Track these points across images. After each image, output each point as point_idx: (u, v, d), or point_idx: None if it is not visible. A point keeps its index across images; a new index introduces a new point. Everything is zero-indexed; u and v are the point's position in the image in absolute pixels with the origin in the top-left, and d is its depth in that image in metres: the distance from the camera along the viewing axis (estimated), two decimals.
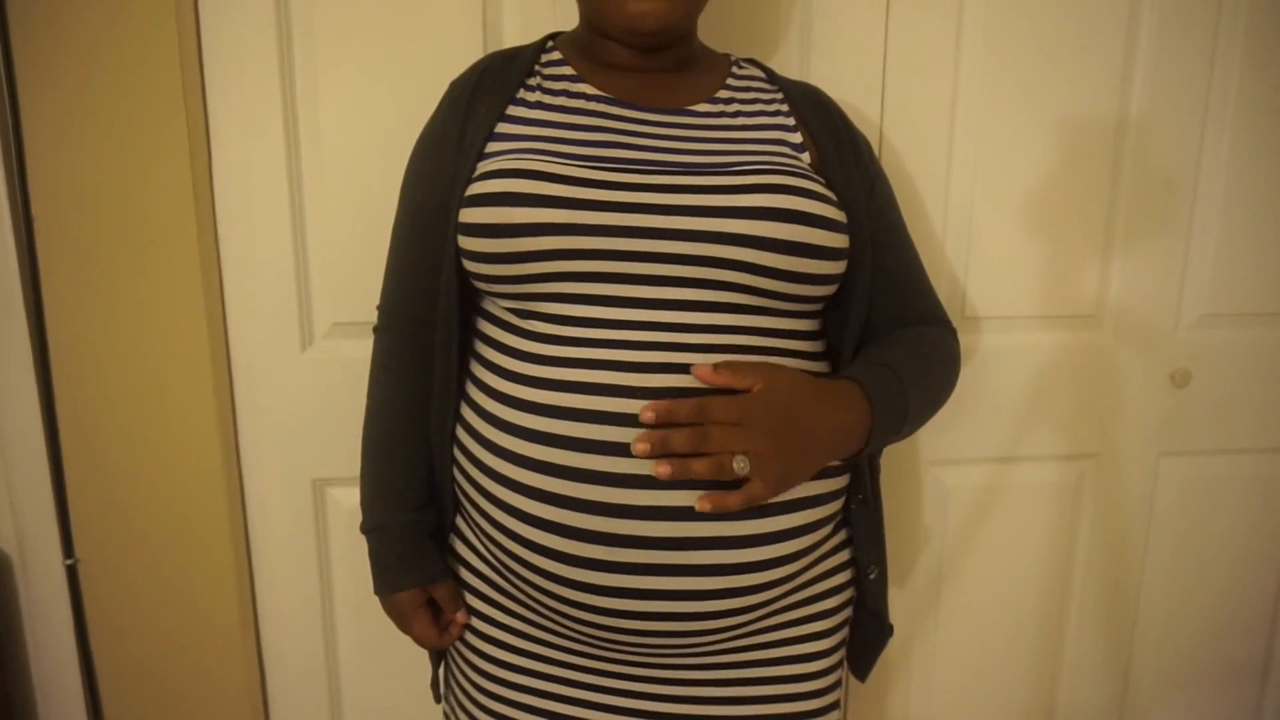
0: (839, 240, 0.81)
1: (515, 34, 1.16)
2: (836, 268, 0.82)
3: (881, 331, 0.92)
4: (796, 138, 0.87)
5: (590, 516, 0.75)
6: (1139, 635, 1.50)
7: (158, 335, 1.14)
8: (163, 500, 1.19)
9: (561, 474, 0.76)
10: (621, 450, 0.74)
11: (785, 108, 0.89)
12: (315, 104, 1.15)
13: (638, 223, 0.76)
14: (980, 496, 1.39)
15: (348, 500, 1.27)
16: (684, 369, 0.75)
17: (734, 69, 0.93)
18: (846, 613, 0.94)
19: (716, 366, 0.74)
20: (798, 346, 0.83)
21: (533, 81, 0.88)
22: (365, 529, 0.94)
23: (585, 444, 0.75)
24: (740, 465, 0.71)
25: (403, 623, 0.93)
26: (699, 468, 0.71)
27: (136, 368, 1.14)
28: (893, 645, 1.45)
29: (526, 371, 0.79)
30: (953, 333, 0.97)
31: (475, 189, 0.80)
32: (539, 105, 0.86)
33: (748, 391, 0.74)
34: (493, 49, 1.17)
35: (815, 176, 0.83)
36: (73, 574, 1.20)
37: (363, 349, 1.22)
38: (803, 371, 0.81)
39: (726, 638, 0.82)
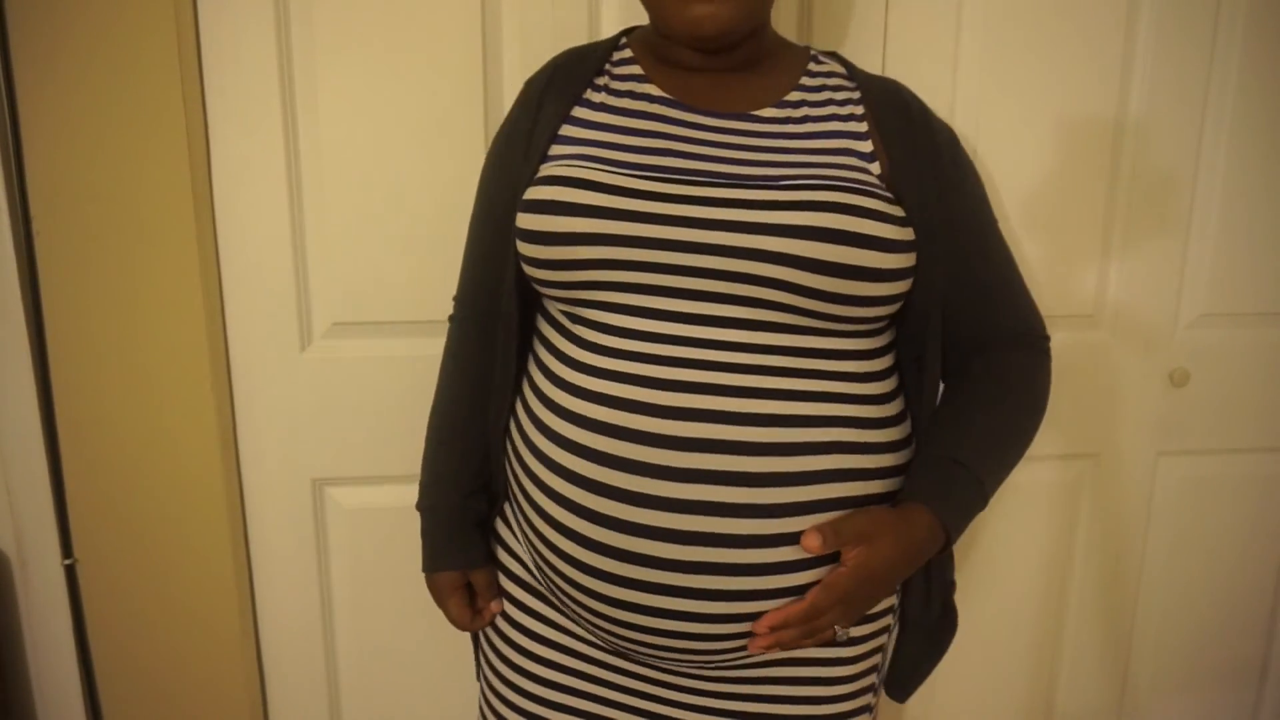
0: (897, 261, 0.76)
1: (514, 33, 1.16)
2: (894, 288, 0.78)
3: (966, 350, 0.88)
4: (866, 146, 0.81)
5: (608, 531, 0.76)
6: (1137, 634, 1.50)
7: (156, 335, 1.14)
8: (162, 500, 1.18)
9: (586, 486, 0.77)
10: (646, 470, 0.74)
11: (860, 110, 0.83)
12: (314, 103, 1.15)
13: (681, 236, 0.74)
14: None
15: (347, 500, 1.27)
16: (721, 390, 0.74)
17: (811, 64, 0.87)
18: (880, 622, 0.91)
19: (824, 538, 0.73)
20: (851, 368, 0.80)
21: (600, 81, 0.87)
22: (419, 507, 0.98)
23: (610, 459, 0.76)
24: (841, 635, 0.77)
25: (440, 600, 0.97)
26: (807, 644, 0.76)
27: (135, 367, 1.14)
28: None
29: (570, 379, 0.80)
30: (1043, 346, 0.92)
31: (530, 194, 0.80)
32: (603, 107, 0.85)
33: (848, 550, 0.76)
34: (491, 48, 1.17)
35: (879, 191, 0.78)
36: (71, 574, 1.20)
37: (362, 348, 1.22)
38: (887, 515, 0.78)
39: (743, 657, 0.82)
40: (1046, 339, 0.93)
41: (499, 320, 0.89)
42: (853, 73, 0.88)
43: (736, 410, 0.74)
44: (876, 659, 0.91)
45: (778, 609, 0.75)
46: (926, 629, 0.92)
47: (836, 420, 0.77)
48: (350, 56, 1.14)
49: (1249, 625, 1.53)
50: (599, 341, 0.78)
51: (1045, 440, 1.37)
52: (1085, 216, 1.31)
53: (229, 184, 1.16)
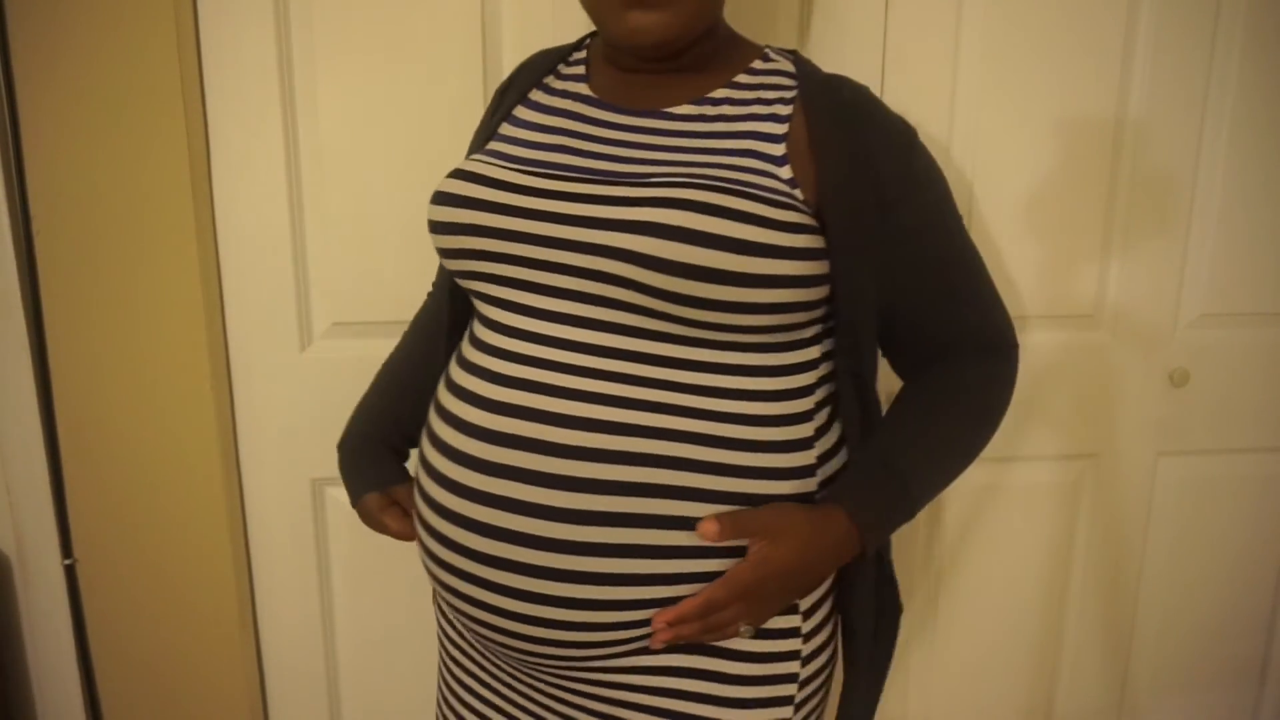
0: (766, 266, 0.71)
1: (514, 33, 1.17)
2: (764, 295, 0.71)
3: (924, 358, 0.86)
4: (778, 149, 0.75)
5: (439, 519, 0.78)
6: (1137, 635, 1.50)
7: (156, 335, 1.14)
8: (161, 500, 1.19)
9: (429, 472, 0.80)
10: (465, 460, 0.75)
11: (787, 110, 0.77)
12: (314, 103, 1.15)
13: (541, 230, 0.74)
14: (978, 496, 1.39)
15: (347, 500, 1.27)
16: (551, 390, 0.73)
17: (756, 62, 0.83)
18: (786, 643, 0.80)
19: (722, 527, 0.71)
20: (717, 382, 0.74)
21: (547, 80, 0.88)
22: (337, 447, 1.00)
23: (446, 448, 0.77)
24: (745, 631, 0.74)
25: (374, 523, 0.95)
26: (711, 639, 0.74)
27: (135, 368, 1.14)
28: None
29: (450, 372, 0.83)
30: (1007, 355, 0.88)
31: (439, 185, 0.82)
32: (537, 106, 0.86)
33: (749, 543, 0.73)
34: (491, 48, 1.17)
35: (764, 194, 0.72)
36: (71, 574, 1.20)
37: (362, 348, 1.22)
38: (797, 513, 0.74)
39: (593, 663, 0.78)
40: (1013, 347, 0.88)
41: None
42: (800, 72, 0.81)
43: (556, 411, 0.72)
44: (789, 690, 0.80)
45: (676, 605, 0.72)
46: (867, 655, 0.85)
47: (678, 435, 0.72)
48: (350, 57, 1.14)
49: (1249, 625, 1.53)
50: (477, 335, 0.81)
51: (1044, 440, 1.38)
52: (1085, 216, 1.31)
53: (229, 184, 1.16)
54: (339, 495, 1.27)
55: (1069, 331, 1.34)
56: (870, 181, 0.76)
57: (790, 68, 0.83)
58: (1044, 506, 1.42)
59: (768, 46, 0.86)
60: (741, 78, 0.81)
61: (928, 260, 0.81)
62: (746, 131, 0.77)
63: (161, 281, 1.13)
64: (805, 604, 0.80)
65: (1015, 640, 1.48)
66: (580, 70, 0.88)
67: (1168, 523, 1.45)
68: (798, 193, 0.74)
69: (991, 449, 1.36)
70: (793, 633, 0.79)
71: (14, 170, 1.08)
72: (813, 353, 0.79)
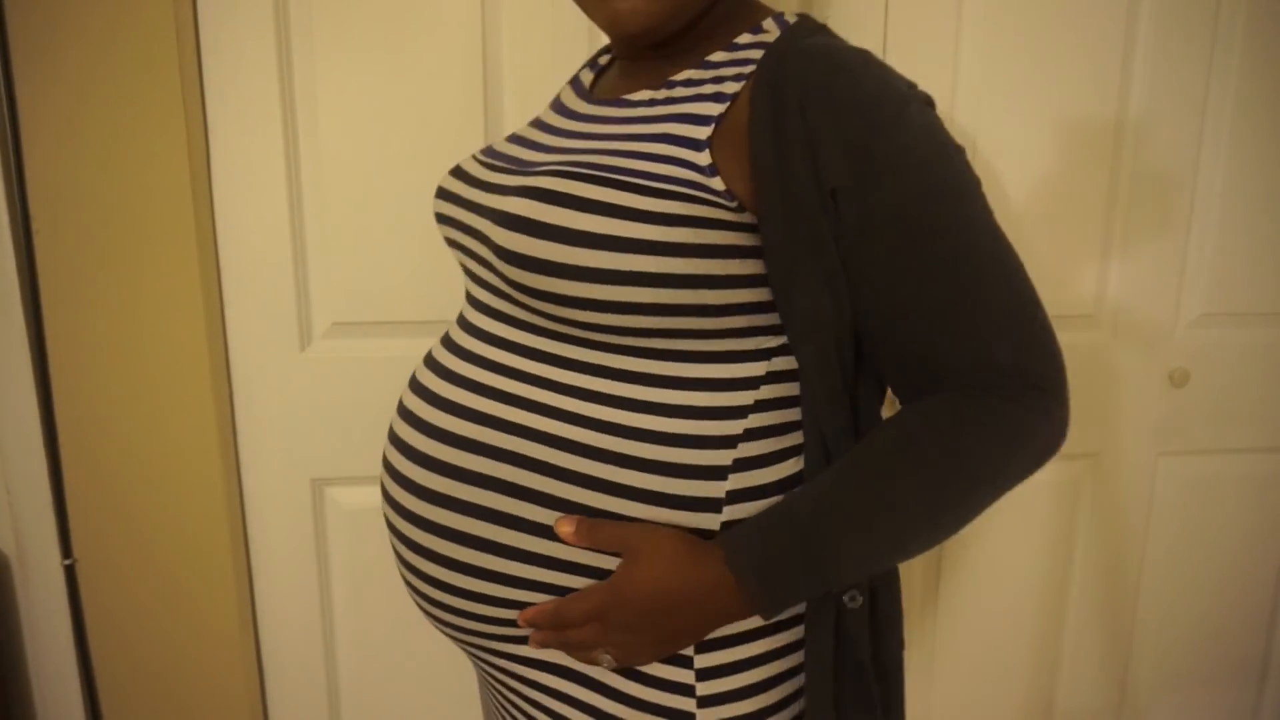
0: (608, 260, 0.62)
1: (514, 33, 1.17)
2: (625, 294, 0.63)
3: (913, 388, 0.67)
4: (703, 133, 0.65)
5: (388, 509, 0.78)
6: (1137, 634, 1.50)
7: (156, 335, 1.14)
8: (161, 500, 1.19)
9: (385, 465, 0.79)
10: (393, 440, 0.76)
11: (735, 88, 0.66)
12: (314, 103, 1.15)
13: (466, 219, 0.75)
14: None
15: (346, 500, 1.27)
16: (447, 375, 0.72)
17: (742, 38, 0.71)
18: (674, 698, 0.71)
19: (577, 529, 0.65)
20: (582, 382, 0.67)
21: (580, 73, 0.87)
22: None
23: (392, 425, 0.78)
24: (606, 661, 0.67)
25: None
26: (571, 655, 0.68)
27: (135, 367, 1.14)
28: None
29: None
30: (1016, 394, 0.64)
31: None
32: (555, 99, 0.87)
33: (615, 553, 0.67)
34: (491, 49, 1.17)
35: (634, 180, 0.64)
36: (71, 574, 1.20)
37: (362, 348, 1.22)
38: (668, 540, 0.64)
39: (491, 644, 0.75)
40: (1028, 387, 0.64)
41: None
42: (777, 44, 0.68)
43: (443, 395, 0.72)
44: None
45: (532, 606, 0.68)
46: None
47: (532, 433, 0.67)
48: (350, 58, 1.14)
49: (1249, 625, 1.53)
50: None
51: None
52: (1085, 216, 1.31)
53: (229, 185, 1.16)
54: (339, 495, 1.27)
55: (1069, 331, 1.34)
56: (810, 167, 0.62)
57: (773, 38, 0.69)
58: (1044, 506, 1.42)
59: (774, 15, 0.72)
60: (717, 55, 0.70)
61: (895, 268, 0.63)
62: (675, 114, 0.67)
63: (161, 281, 1.13)
64: (705, 661, 0.69)
65: (1015, 639, 1.48)
66: (606, 61, 0.87)
67: (1168, 522, 1.45)
68: (714, 181, 0.63)
69: None
70: (682, 689, 0.69)
71: (14, 170, 1.08)
72: (749, 369, 0.67)
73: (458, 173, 0.80)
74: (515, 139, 0.81)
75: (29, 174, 1.08)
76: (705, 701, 0.69)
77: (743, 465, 0.67)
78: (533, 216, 0.64)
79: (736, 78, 0.67)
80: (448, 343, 0.76)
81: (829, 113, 0.62)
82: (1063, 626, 1.48)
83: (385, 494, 0.77)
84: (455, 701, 1.35)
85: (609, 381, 0.67)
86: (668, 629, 0.66)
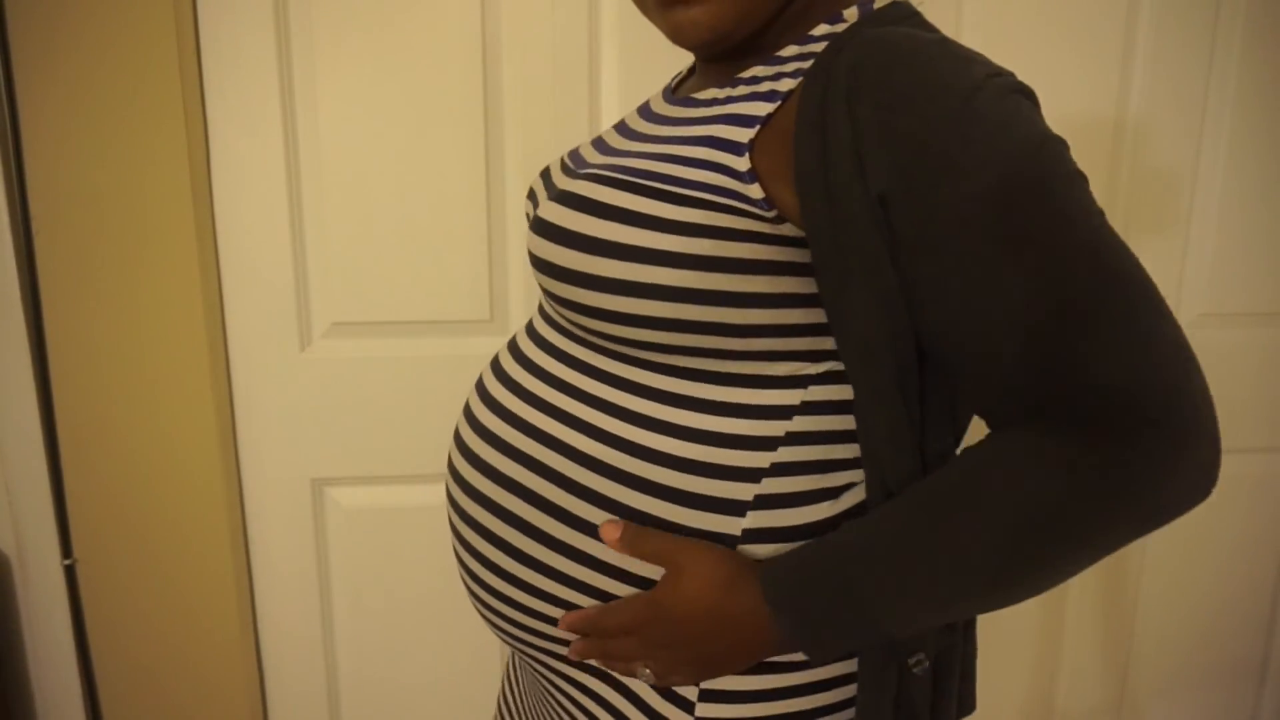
0: (620, 270, 0.59)
1: (514, 33, 1.17)
2: (642, 307, 0.59)
3: (994, 419, 0.58)
4: (746, 135, 0.59)
5: (448, 501, 0.77)
6: (1137, 635, 1.50)
7: (156, 335, 1.14)
8: (161, 500, 1.19)
9: (448, 460, 0.78)
10: (455, 439, 0.75)
11: (790, 86, 0.59)
12: (314, 104, 1.15)
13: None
14: None
15: (346, 500, 1.27)
16: (514, 388, 0.70)
17: (819, 29, 0.63)
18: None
19: (623, 534, 0.62)
20: (606, 394, 0.64)
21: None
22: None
23: (455, 435, 0.76)
24: (645, 675, 0.64)
25: None
26: (610, 666, 0.66)
27: (135, 368, 1.14)
28: None
29: None
30: (1125, 433, 0.51)
31: None
32: (646, 100, 0.83)
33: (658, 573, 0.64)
34: (491, 48, 1.17)
35: (663, 186, 0.59)
36: (71, 574, 1.20)
37: (362, 348, 1.22)
38: (715, 559, 0.61)
39: (536, 647, 0.73)
40: (1144, 423, 0.51)
41: None
42: (845, 34, 0.60)
43: (491, 393, 0.72)
44: None
45: (578, 610, 0.66)
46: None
47: (554, 442, 0.65)
48: (350, 57, 1.14)
49: (1249, 625, 1.53)
50: None
51: None
52: None
53: (229, 184, 1.16)
54: (339, 495, 1.27)
55: None
56: (857, 171, 0.54)
57: (838, 31, 0.61)
58: None
59: (860, 1, 0.63)
60: (788, 49, 0.63)
61: (965, 283, 0.54)
62: (726, 115, 0.62)
63: (161, 281, 1.13)
64: (706, 710, 0.64)
65: (1015, 639, 1.48)
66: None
67: None
68: (752, 189, 0.57)
69: None
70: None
71: (14, 170, 1.08)
72: (780, 396, 0.62)
73: (543, 174, 0.80)
74: (595, 140, 0.78)
75: (29, 174, 1.08)
76: None
77: (765, 503, 0.62)
78: (557, 222, 0.62)
79: (795, 74, 0.60)
80: (511, 342, 0.75)
81: (879, 107, 0.54)
82: (1062, 626, 1.48)
83: (447, 487, 0.77)
84: (455, 701, 1.35)
85: (630, 396, 0.63)
86: (705, 652, 0.62)
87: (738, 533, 0.62)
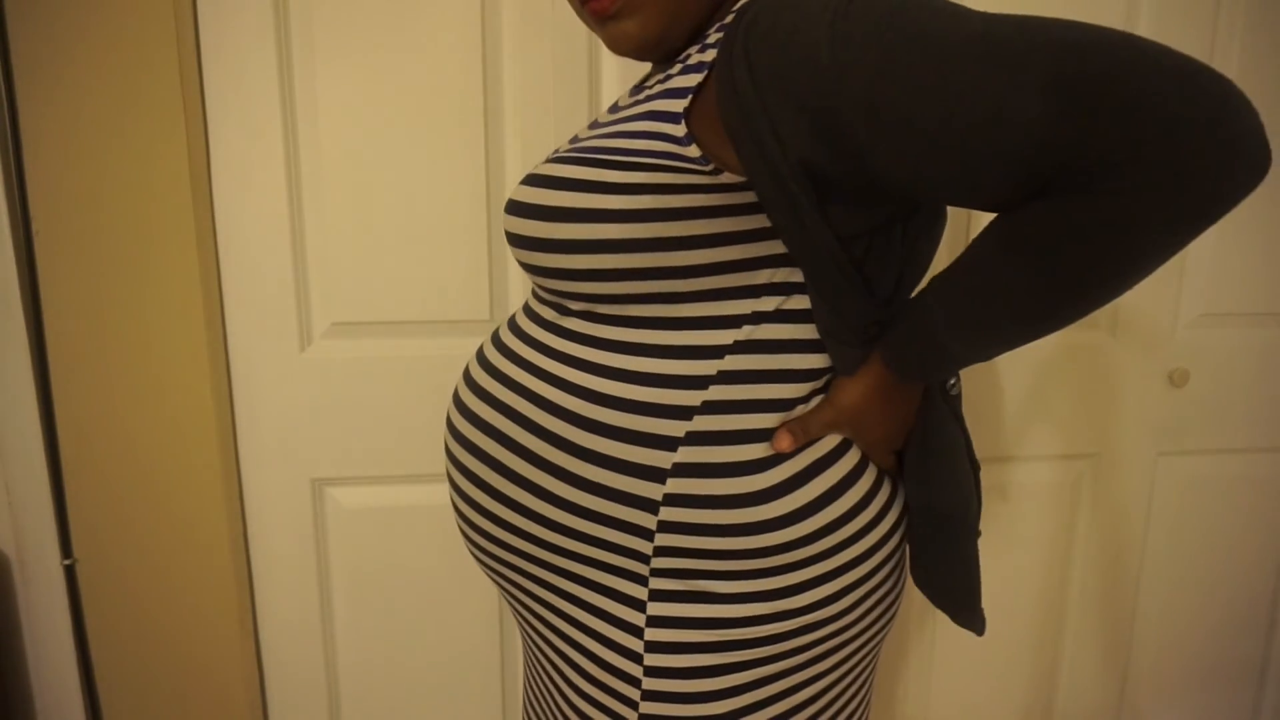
0: (568, 231, 0.67)
1: (514, 34, 1.17)
2: (585, 262, 0.67)
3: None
4: (679, 105, 0.66)
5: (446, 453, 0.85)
6: (1137, 634, 1.50)
7: (156, 335, 1.14)
8: (161, 500, 1.19)
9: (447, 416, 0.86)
10: (458, 391, 0.83)
11: (713, 55, 0.65)
12: (314, 104, 1.15)
13: None
14: None
15: (347, 500, 1.27)
16: (504, 350, 0.78)
17: (741, 3, 0.67)
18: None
19: (794, 437, 0.68)
20: (596, 357, 0.71)
21: None
22: None
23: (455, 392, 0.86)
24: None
25: None
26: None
27: (135, 368, 1.14)
28: (890, 645, 1.45)
29: None
30: (1125, 182, 0.52)
31: None
32: None
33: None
34: (491, 50, 1.17)
35: (601, 156, 0.67)
36: (71, 574, 1.20)
37: (362, 348, 1.22)
38: (861, 390, 0.70)
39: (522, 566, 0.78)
40: (1144, 153, 0.51)
41: None
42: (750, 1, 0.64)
43: (489, 360, 0.80)
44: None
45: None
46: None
47: (524, 390, 0.74)
48: (350, 58, 1.14)
49: (1249, 625, 1.53)
50: None
51: (1044, 440, 1.38)
52: None
53: (229, 185, 1.16)
54: (339, 495, 1.27)
55: (1069, 331, 1.34)
56: (759, 104, 0.59)
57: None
58: (1044, 506, 1.42)
59: None
60: (713, 34, 0.68)
61: (890, 124, 0.54)
62: (665, 90, 0.69)
63: (161, 282, 1.13)
64: (655, 609, 0.71)
65: (1015, 639, 1.48)
66: None
67: (1167, 522, 1.45)
68: (689, 150, 0.63)
69: (991, 448, 1.38)
70: (631, 628, 0.72)
71: (14, 170, 1.08)
72: (714, 337, 0.68)
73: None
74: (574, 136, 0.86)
75: (29, 175, 1.08)
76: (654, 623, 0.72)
77: (697, 439, 0.68)
78: (521, 199, 0.72)
79: (717, 44, 0.65)
80: (510, 316, 0.84)
81: (761, 38, 0.59)
82: (1062, 626, 1.48)
83: (446, 439, 0.84)
84: (455, 701, 1.35)
85: (586, 348, 0.71)
86: (879, 420, 0.71)
87: (668, 466, 0.68)
